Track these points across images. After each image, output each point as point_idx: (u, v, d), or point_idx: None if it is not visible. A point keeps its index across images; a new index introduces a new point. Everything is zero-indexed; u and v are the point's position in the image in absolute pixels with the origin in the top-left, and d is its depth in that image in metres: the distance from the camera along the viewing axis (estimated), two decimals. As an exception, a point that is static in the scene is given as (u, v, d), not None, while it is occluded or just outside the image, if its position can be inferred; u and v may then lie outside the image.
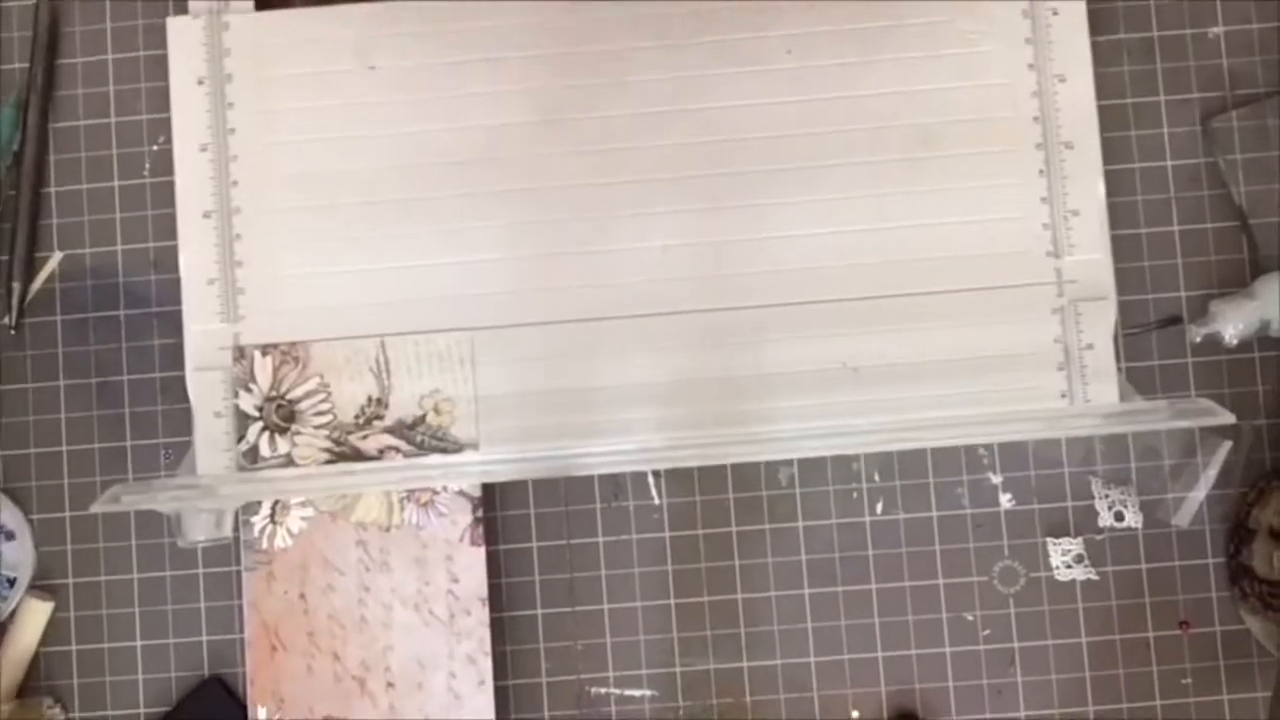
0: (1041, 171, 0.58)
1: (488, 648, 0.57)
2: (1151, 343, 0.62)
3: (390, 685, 0.57)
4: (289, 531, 0.58)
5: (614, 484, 0.61)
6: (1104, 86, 0.60)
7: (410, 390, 0.58)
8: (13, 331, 0.63)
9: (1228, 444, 0.60)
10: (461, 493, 0.58)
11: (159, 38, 0.60)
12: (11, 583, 0.61)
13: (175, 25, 0.60)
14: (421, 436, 0.58)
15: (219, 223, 0.59)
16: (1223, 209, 0.62)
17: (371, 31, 0.59)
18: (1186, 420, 0.54)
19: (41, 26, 0.63)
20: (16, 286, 0.62)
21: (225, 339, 0.58)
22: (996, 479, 0.61)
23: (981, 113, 0.59)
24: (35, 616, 0.61)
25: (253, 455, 0.58)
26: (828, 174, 0.59)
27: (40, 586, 0.62)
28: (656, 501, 0.61)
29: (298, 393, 0.58)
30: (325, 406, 0.58)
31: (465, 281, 0.58)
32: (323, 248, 0.59)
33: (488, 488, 0.60)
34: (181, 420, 0.61)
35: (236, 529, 0.59)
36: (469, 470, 0.57)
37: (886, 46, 0.59)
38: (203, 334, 0.58)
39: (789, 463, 0.61)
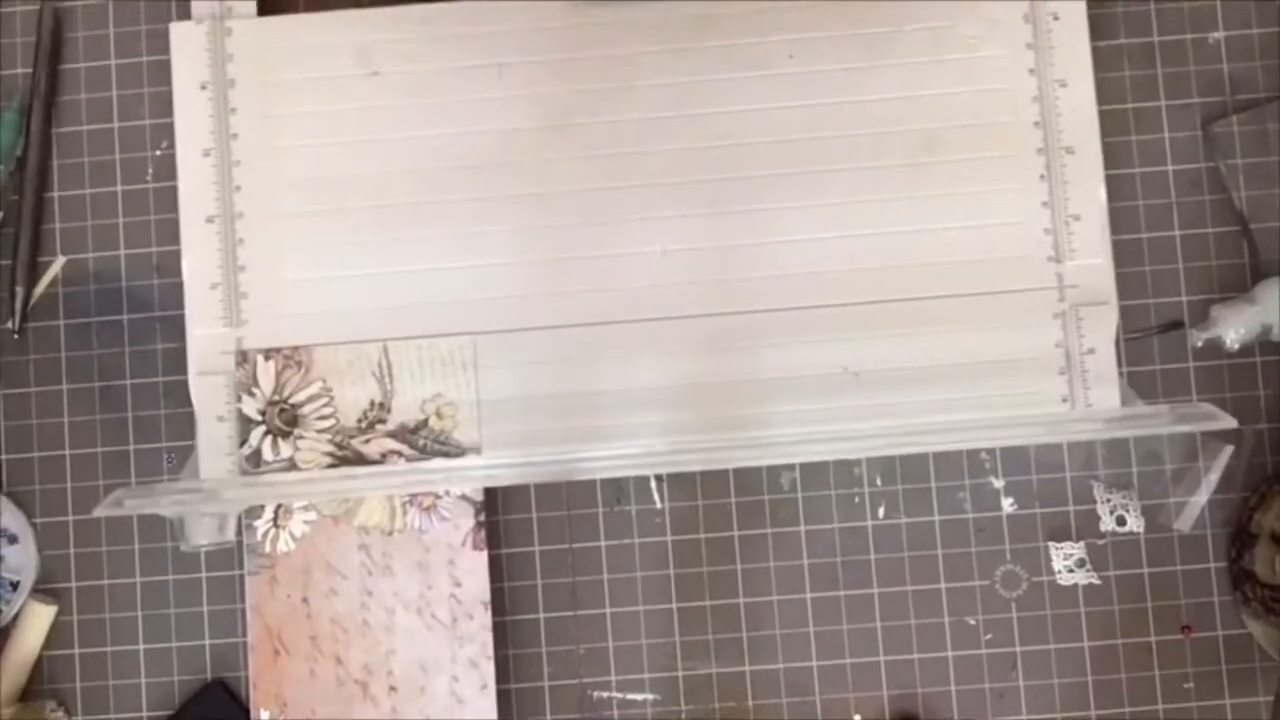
0: (1043, 176, 0.58)
1: (490, 652, 0.57)
2: (1153, 347, 0.62)
3: (393, 689, 0.57)
4: (291, 535, 0.58)
5: (616, 488, 0.61)
6: (1105, 91, 0.60)
7: (413, 394, 0.58)
8: (16, 336, 0.63)
9: (1229, 448, 0.60)
10: (464, 497, 0.58)
11: (162, 43, 0.60)
12: (15, 586, 0.61)
13: (178, 30, 0.60)
14: (424, 441, 0.58)
15: (222, 227, 0.59)
16: (1223, 214, 0.62)
17: (374, 36, 0.60)
18: (1188, 425, 0.54)
19: (44, 31, 0.63)
20: (20, 291, 0.62)
21: (228, 343, 0.58)
22: (998, 483, 0.61)
23: (983, 118, 0.59)
24: (38, 620, 0.61)
25: (255, 459, 0.58)
26: (831, 179, 0.59)
27: (43, 590, 0.62)
28: (659, 506, 0.61)
29: (300, 397, 0.58)
30: (328, 411, 0.58)
31: (468, 286, 0.58)
32: (325, 252, 0.59)
33: (490, 492, 0.60)
34: (184, 424, 0.61)
35: (239, 533, 0.59)
36: (471, 474, 0.57)
37: (889, 51, 0.59)
38: (205, 338, 0.58)
39: (791, 467, 0.61)
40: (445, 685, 0.57)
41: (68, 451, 0.62)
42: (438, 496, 0.58)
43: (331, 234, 0.59)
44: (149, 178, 0.63)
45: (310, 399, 0.58)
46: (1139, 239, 0.62)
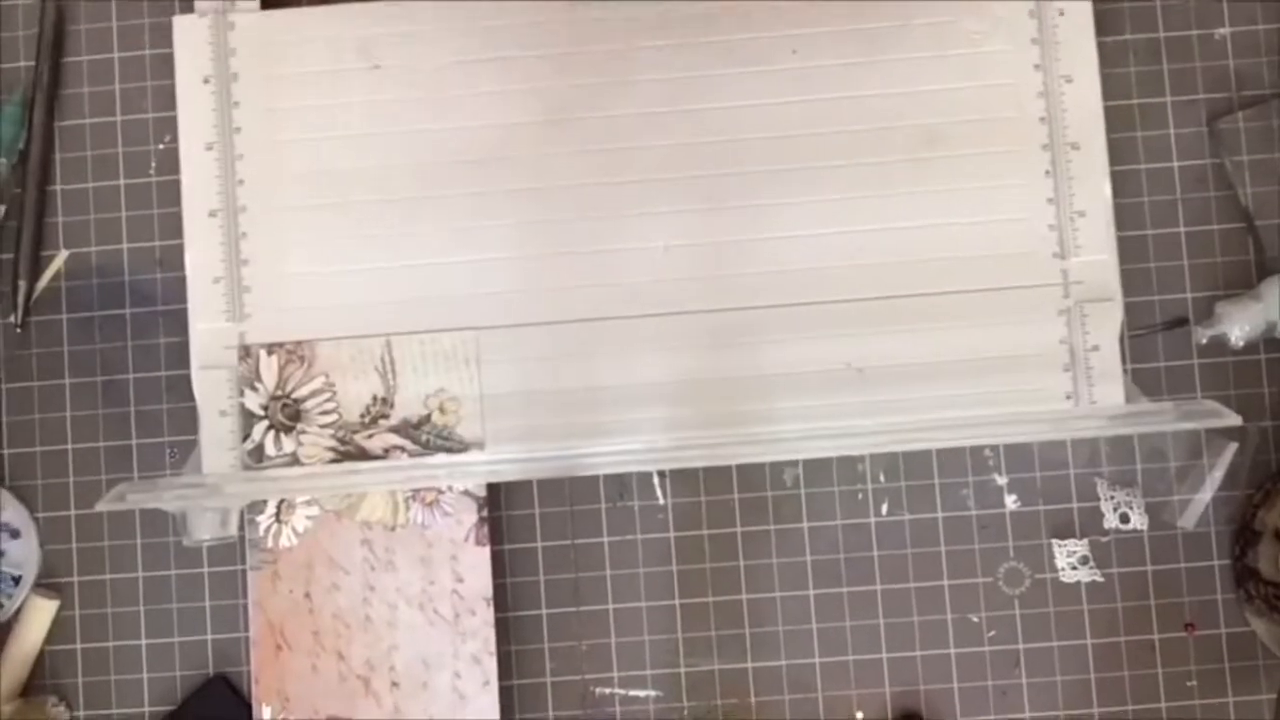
0: (1047, 172, 0.58)
1: (492, 647, 0.57)
2: (1157, 344, 0.61)
3: (395, 685, 0.57)
4: (294, 530, 0.58)
5: (619, 484, 0.61)
6: (1110, 87, 0.60)
7: (415, 389, 0.58)
8: (18, 330, 0.63)
9: (1233, 446, 0.60)
10: (466, 492, 0.58)
11: (165, 36, 0.60)
12: (17, 581, 0.61)
13: (181, 24, 0.60)
14: (426, 436, 0.58)
15: (224, 221, 0.59)
16: (1229, 210, 0.62)
17: (377, 30, 0.59)
18: (1192, 422, 0.54)
19: (47, 24, 0.63)
20: (22, 285, 0.62)
21: (231, 338, 0.58)
22: (1002, 480, 0.61)
23: (987, 113, 0.59)
24: (40, 614, 0.61)
25: (258, 454, 0.58)
26: (833, 174, 0.59)
27: (45, 584, 0.62)
28: (661, 502, 0.61)
29: (303, 391, 0.58)
30: (330, 405, 0.58)
31: (471, 281, 0.58)
32: (328, 246, 0.59)
33: (493, 487, 0.60)
34: (187, 419, 0.61)
35: (241, 528, 0.59)
36: (474, 470, 0.57)
37: (892, 46, 0.59)
38: (208, 332, 0.58)
39: (794, 463, 0.61)
40: (447, 681, 0.57)
41: (70, 446, 0.62)
42: (440, 492, 0.58)
43: (334, 228, 0.59)
44: (152, 171, 0.63)
45: (313, 394, 0.58)
46: (1144, 235, 0.62)
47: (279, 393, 0.58)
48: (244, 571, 0.60)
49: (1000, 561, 0.61)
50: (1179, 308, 0.62)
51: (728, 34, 0.59)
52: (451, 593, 0.58)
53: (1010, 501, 0.61)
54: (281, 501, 0.58)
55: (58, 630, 0.61)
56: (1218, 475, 0.60)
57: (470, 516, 0.58)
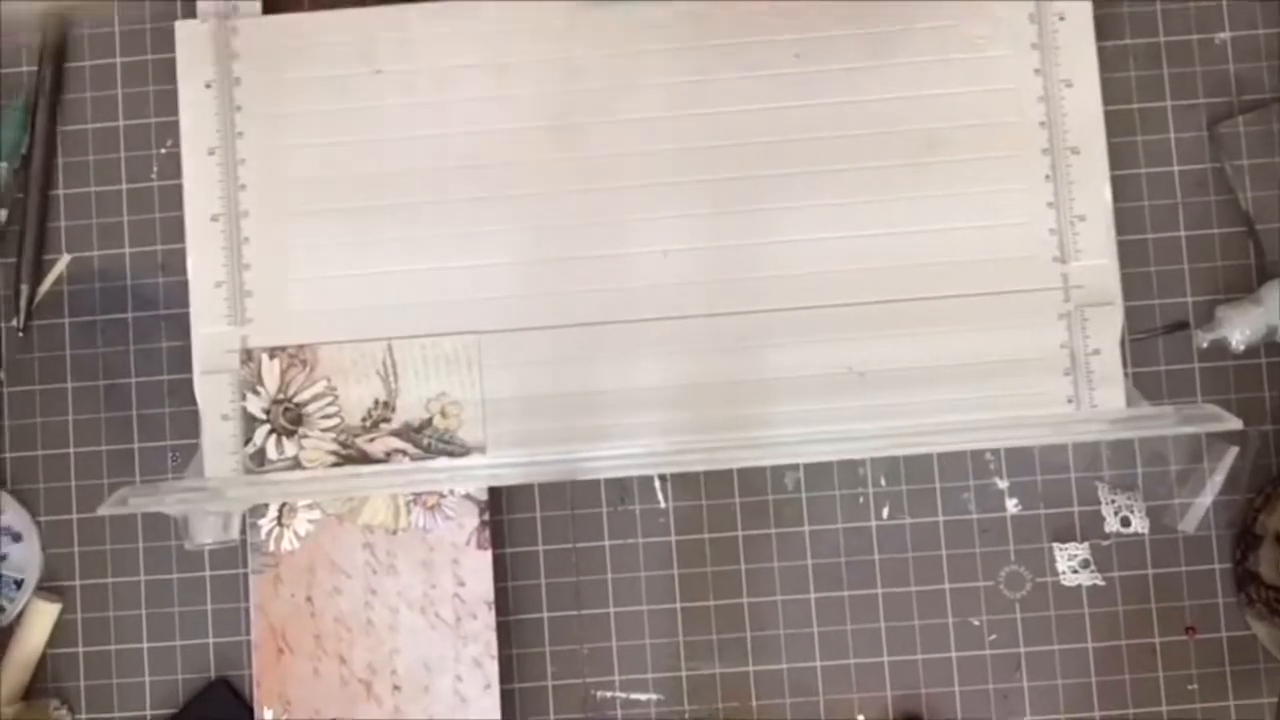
0: (1048, 176, 0.58)
1: (494, 651, 0.57)
2: (1158, 348, 0.62)
3: (396, 688, 0.57)
4: (296, 534, 0.58)
5: (620, 488, 0.61)
6: (1110, 92, 0.60)
7: (417, 393, 0.58)
8: (21, 334, 0.63)
9: (1234, 449, 0.60)
10: (468, 496, 0.58)
11: (167, 41, 0.60)
12: (19, 584, 0.61)
13: (183, 29, 0.60)
14: (428, 439, 0.58)
15: (227, 226, 0.59)
16: (1229, 214, 0.62)
17: (379, 35, 0.60)
18: (1193, 426, 0.54)
19: (50, 29, 0.63)
20: (25, 289, 0.62)
21: (233, 342, 0.58)
22: (1003, 484, 0.61)
23: (988, 118, 0.59)
24: (42, 618, 0.61)
25: (260, 458, 0.58)
26: (834, 178, 0.59)
27: (47, 588, 0.62)
28: (662, 505, 0.61)
29: (305, 395, 0.58)
30: (332, 409, 0.58)
31: (472, 285, 0.58)
32: (330, 251, 0.59)
33: (494, 491, 0.60)
34: (189, 423, 0.61)
35: (243, 531, 0.59)
36: (475, 473, 0.57)
37: (893, 51, 0.59)
38: (210, 337, 0.58)
39: (795, 467, 0.61)
40: (449, 685, 0.57)
41: (72, 449, 0.62)
42: (442, 495, 0.58)
43: (336, 232, 0.59)
44: (154, 176, 0.63)
45: (315, 398, 0.58)
46: (1144, 240, 0.62)
47: (281, 397, 0.58)
48: (246, 575, 0.60)
49: (1001, 565, 0.61)
50: (1179, 312, 0.62)
51: (729, 38, 0.59)
52: (453, 596, 0.58)
53: (1011, 505, 0.61)
54: (283, 505, 0.58)
55: (60, 633, 0.61)
56: (1218, 479, 0.60)
57: (472, 520, 0.58)
